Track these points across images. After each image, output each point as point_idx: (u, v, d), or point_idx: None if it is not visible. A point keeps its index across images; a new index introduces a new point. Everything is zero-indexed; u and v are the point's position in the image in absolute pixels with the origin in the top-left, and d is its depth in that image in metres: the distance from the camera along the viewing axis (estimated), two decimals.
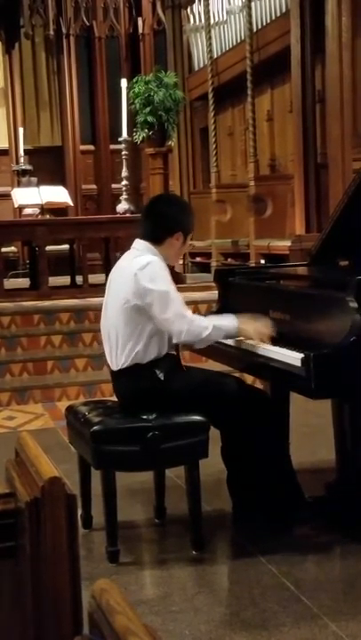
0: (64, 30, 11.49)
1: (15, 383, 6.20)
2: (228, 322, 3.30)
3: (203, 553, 3.17)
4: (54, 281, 7.77)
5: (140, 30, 11.61)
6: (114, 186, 11.13)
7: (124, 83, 8.37)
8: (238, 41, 8.72)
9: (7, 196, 9.60)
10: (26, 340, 6.51)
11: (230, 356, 3.55)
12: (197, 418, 3.16)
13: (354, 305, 2.80)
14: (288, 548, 3.17)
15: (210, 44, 9.21)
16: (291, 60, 7.49)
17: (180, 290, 3.37)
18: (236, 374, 4.00)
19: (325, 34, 6.90)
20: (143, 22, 11.60)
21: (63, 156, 11.68)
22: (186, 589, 2.93)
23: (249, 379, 4.39)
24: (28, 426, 5.37)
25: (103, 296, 3.43)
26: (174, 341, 3.29)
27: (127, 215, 8.20)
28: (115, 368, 3.29)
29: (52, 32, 11.44)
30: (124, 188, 8.51)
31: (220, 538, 3.41)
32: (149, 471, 3.56)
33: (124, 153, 8.44)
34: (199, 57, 9.79)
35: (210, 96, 9.12)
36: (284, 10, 7.83)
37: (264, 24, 8.20)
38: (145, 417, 3.15)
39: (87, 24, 11.61)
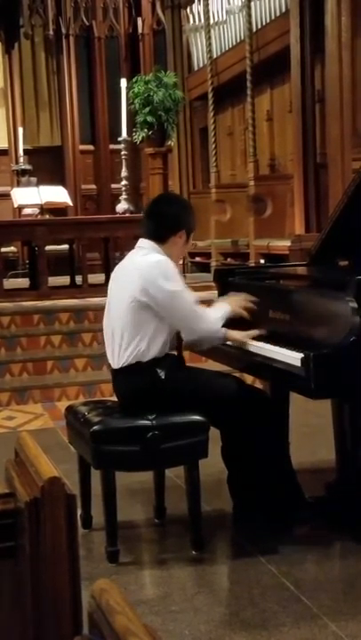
0: (64, 30, 11.49)
1: (15, 383, 6.20)
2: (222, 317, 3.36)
3: (202, 553, 3.17)
4: (54, 281, 7.77)
5: (140, 30, 11.61)
6: (113, 186, 11.13)
7: (123, 83, 8.38)
8: (238, 41, 8.72)
9: (7, 196, 9.60)
10: (25, 339, 6.51)
11: (230, 356, 3.55)
12: (197, 418, 3.16)
13: (354, 305, 2.80)
14: (288, 548, 3.17)
15: (209, 44, 9.21)
16: (290, 59, 7.49)
17: None
18: (236, 374, 4.00)
19: (325, 34, 6.90)
20: (143, 22, 11.59)
21: (63, 155, 11.68)
22: (186, 589, 2.92)
23: (249, 379, 4.39)
24: (27, 426, 5.37)
25: (103, 296, 3.43)
26: (186, 338, 3.32)
27: (127, 215, 8.21)
28: (116, 366, 3.29)
29: (51, 32, 11.45)
30: (123, 188, 8.51)
31: (219, 538, 3.41)
32: (149, 471, 3.56)
33: (123, 153, 8.44)
34: (199, 57, 9.79)
35: (209, 96, 9.12)
36: (283, 10, 7.82)
37: (264, 24, 8.20)
38: (145, 417, 3.15)
39: (87, 24, 11.61)
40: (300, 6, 7.29)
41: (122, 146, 8.43)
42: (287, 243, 7.25)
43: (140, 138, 8.22)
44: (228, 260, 8.74)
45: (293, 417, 3.66)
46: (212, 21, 9.24)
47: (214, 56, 9.20)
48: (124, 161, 8.45)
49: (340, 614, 2.65)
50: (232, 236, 8.67)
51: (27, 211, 8.91)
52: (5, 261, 8.44)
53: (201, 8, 9.49)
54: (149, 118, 7.89)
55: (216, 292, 3.97)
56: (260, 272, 4.35)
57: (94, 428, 3.11)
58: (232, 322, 3.40)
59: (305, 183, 7.43)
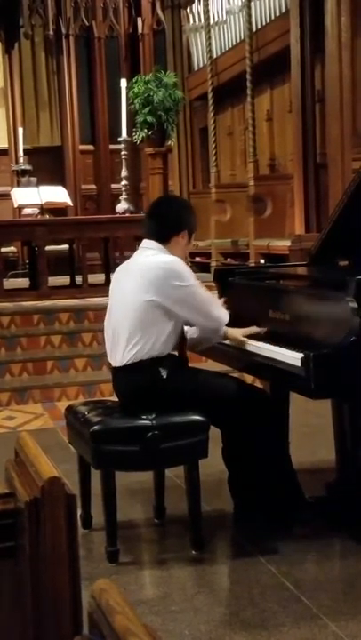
0: (63, 30, 11.49)
1: (15, 383, 6.20)
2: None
3: (202, 553, 3.17)
4: (54, 281, 7.77)
5: (140, 30, 11.62)
6: (113, 186, 11.13)
7: (123, 83, 8.38)
8: (238, 41, 8.72)
9: (7, 196, 9.60)
10: (25, 339, 6.51)
11: (230, 356, 3.55)
12: (197, 417, 3.16)
13: (354, 305, 2.80)
14: (288, 548, 3.17)
15: (209, 44, 9.21)
16: (290, 59, 7.49)
17: None
18: (236, 374, 4.00)
19: (325, 33, 6.90)
20: (143, 22, 11.60)
21: (63, 155, 11.68)
22: (186, 589, 2.92)
23: (249, 379, 4.39)
24: (27, 426, 5.37)
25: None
26: (199, 335, 3.38)
27: (127, 215, 8.21)
28: (119, 363, 3.28)
29: (51, 32, 11.45)
30: (123, 188, 8.51)
31: (219, 538, 3.41)
32: (149, 471, 3.56)
33: (123, 153, 8.44)
34: (199, 57, 9.79)
35: (209, 96, 9.12)
36: (283, 10, 7.82)
37: (264, 24, 8.20)
38: (145, 417, 3.15)
39: (87, 24, 11.62)
40: (300, 6, 7.29)
41: (122, 146, 8.43)
42: (287, 243, 7.25)
43: (140, 138, 8.23)
44: (228, 260, 8.74)
45: (293, 417, 3.65)
46: (212, 21, 9.24)
47: (214, 56, 9.20)
48: (124, 161, 8.44)
49: (340, 614, 2.65)
50: (232, 236, 8.67)
51: (27, 211, 8.91)
52: (5, 261, 8.45)
53: (201, 8, 9.49)
54: (149, 118, 7.90)
55: (216, 291, 3.97)
56: (260, 272, 4.35)
57: (94, 427, 3.11)
58: (232, 323, 3.42)
59: (305, 183, 7.43)
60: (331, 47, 6.86)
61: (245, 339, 3.35)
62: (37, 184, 9.43)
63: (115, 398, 3.47)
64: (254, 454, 3.32)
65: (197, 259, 9.50)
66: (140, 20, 11.61)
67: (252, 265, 7.45)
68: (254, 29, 8.22)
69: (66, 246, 8.57)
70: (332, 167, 6.97)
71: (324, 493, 3.53)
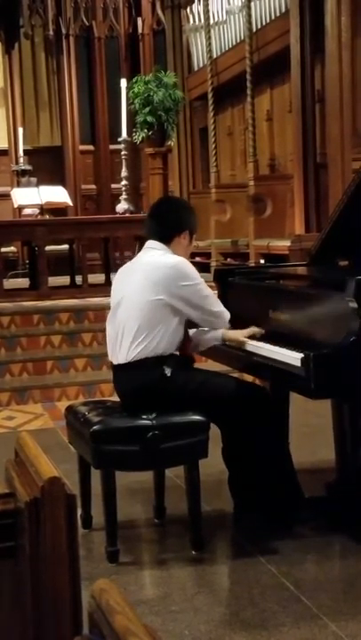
0: (63, 30, 11.50)
1: (15, 383, 6.20)
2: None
3: (202, 553, 3.17)
4: (54, 281, 7.77)
5: (140, 30, 11.62)
6: (113, 186, 11.14)
7: (123, 83, 8.38)
8: (238, 41, 8.72)
9: (7, 196, 9.60)
10: (25, 339, 6.51)
11: (230, 356, 3.55)
12: (197, 417, 3.16)
13: (354, 305, 2.80)
14: (288, 548, 3.17)
15: (209, 44, 9.21)
16: (290, 59, 7.49)
17: None
18: (236, 374, 4.00)
19: (325, 33, 6.90)
20: (143, 22, 11.60)
21: (63, 156, 11.68)
22: (186, 589, 2.92)
23: (249, 379, 4.39)
24: (27, 426, 5.37)
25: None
26: (200, 335, 3.43)
27: (127, 215, 8.21)
28: (122, 361, 3.28)
29: (51, 32, 11.45)
30: (123, 188, 8.51)
31: (219, 538, 3.41)
32: (149, 471, 3.56)
33: (123, 153, 8.44)
34: (199, 57, 9.79)
35: (209, 96, 9.12)
36: (283, 10, 7.83)
37: (264, 24, 8.20)
38: (145, 416, 3.15)
39: (87, 24, 11.62)
40: (300, 6, 7.29)
41: (122, 146, 8.43)
42: (287, 243, 7.25)
43: (140, 138, 8.23)
44: (228, 260, 8.74)
45: (293, 417, 3.66)
46: (212, 21, 9.24)
47: (214, 56, 9.20)
48: (124, 161, 8.44)
49: (340, 614, 2.65)
50: (232, 236, 8.67)
51: (27, 211, 8.91)
52: (5, 261, 8.44)
53: (201, 8, 9.49)
54: (149, 118, 7.90)
55: (216, 292, 3.97)
56: (260, 272, 4.35)
57: (94, 427, 3.11)
58: (232, 323, 3.43)
59: (305, 183, 7.43)
60: (331, 47, 6.87)
61: (246, 339, 3.35)
62: (37, 184, 9.43)
63: (115, 398, 3.47)
64: (254, 454, 3.32)
65: (197, 259, 9.50)
66: (140, 20, 11.61)
67: (253, 265, 7.45)
68: (254, 29, 8.22)
69: (66, 246, 8.57)
70: (333, 167, 6.97)
71: (324, 493, 3.53)
